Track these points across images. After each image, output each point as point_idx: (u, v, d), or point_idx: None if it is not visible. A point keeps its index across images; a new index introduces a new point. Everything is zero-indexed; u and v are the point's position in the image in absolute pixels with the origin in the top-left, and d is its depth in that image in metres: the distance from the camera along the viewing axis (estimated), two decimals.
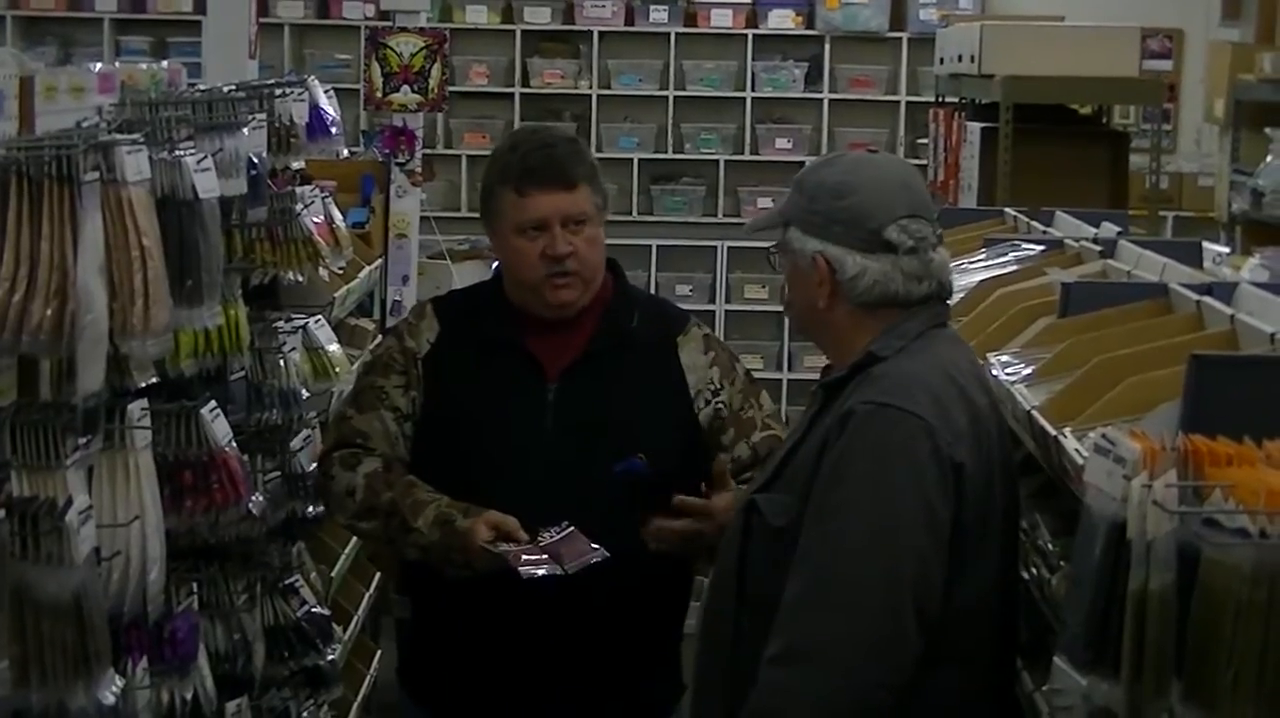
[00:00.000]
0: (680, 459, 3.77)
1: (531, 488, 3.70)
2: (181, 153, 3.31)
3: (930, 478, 2.96)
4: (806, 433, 3.15)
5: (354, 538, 5.04)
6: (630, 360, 3.85)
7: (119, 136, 3.03)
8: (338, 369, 4.52)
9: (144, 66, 4.57)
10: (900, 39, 12.17)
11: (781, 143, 12.22)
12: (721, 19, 12.20)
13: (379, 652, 5.58)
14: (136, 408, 3.12)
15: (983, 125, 7.87)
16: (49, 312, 2.75)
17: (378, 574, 5.48)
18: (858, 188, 3.13)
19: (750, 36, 12.20)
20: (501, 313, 3.88)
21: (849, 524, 2.95)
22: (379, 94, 7.77)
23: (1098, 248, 4.41)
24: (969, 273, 4.45)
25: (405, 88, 7.74)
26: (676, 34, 12.17)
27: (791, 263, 3.20)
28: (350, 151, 7.82)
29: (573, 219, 3.78)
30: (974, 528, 3.00)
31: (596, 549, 3.57)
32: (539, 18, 12.23)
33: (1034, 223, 5.23)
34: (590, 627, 3.73)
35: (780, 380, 11.32)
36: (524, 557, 3.53)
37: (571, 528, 3.60)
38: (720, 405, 3.86)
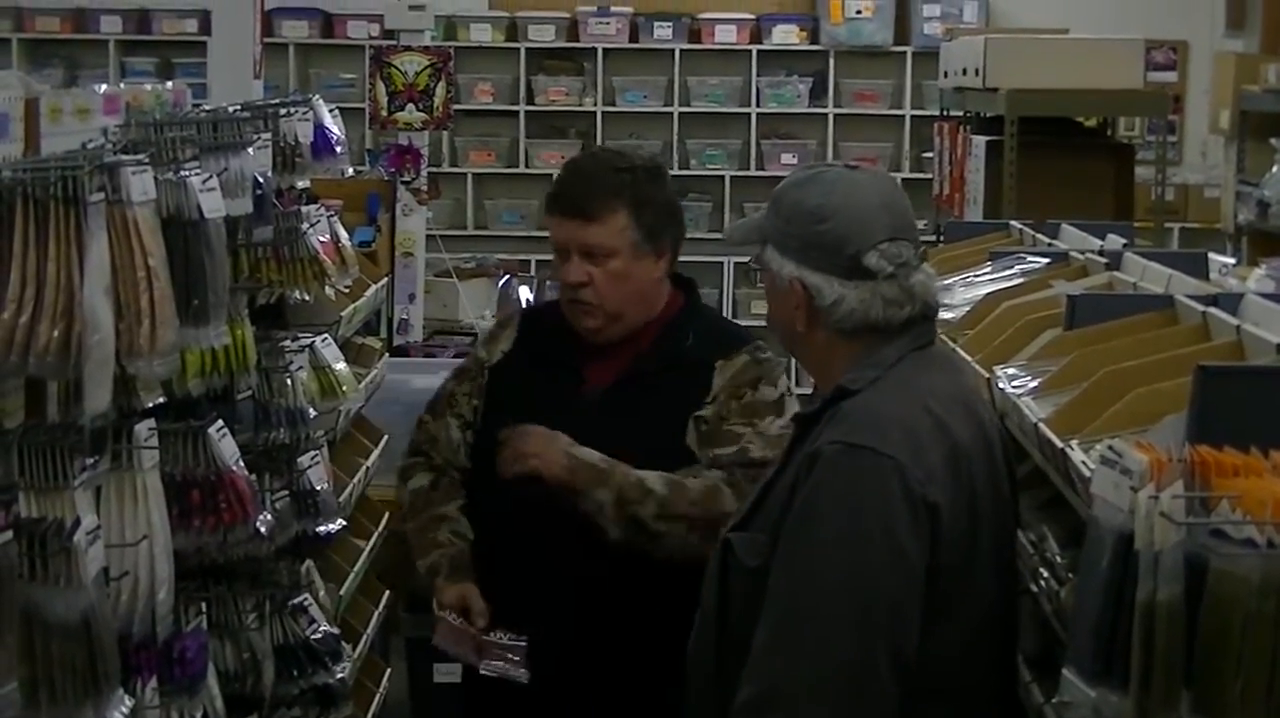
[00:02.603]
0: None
1: (551, 501, 3.71)
2: (187, 173, 3.31)
3: (901, 519, 2.87)
4: (781, 469, 3.07)
5: (363, 556, 5.04)
6: (670, 384, 3.82)
7: (124, 157, 3.04)
8: (344, 388, 4.52)
9: (149, 87, 4.59)
10: (904, 53, 12.20)
11: (787, 158, 12.24)
12: (726, 35, 12.23)
13: (388, 670, 5.58)
14: (144, 428, 3.12)
15: (988, 138, 7.88)
16: (56, 333, 2.76)
17: (387, 593, 5.48)
18: (836, 211, 3.03)
19: (754, 52, 12.22)
20: (568, 328, 3.90)
21: (818, 569, 2.87)
22: (384, 113, 7.79)
23: (1103, 260, 4.40)
24: (975, 286, 4.45)
25: (410, 106, 7.76)
26: (681, 50, 12.20)
27: (770, 280, 3.12)
28: (356, 170, 7.85)
29: (589, 251, 3.77)
30: (956, 567, 2.93)
31: (521, 672, 3.67)
32: (543, 35, 12.25)
33: (1039, 235, 5.23)
34: (606, 642, 3.74)
35: None
36: (486, 659, 3.69)
37: (524, 642, 3.69)
38: (701, 417, 3.80)
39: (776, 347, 3.72)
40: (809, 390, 3.46)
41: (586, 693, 3.80)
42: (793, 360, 3.49)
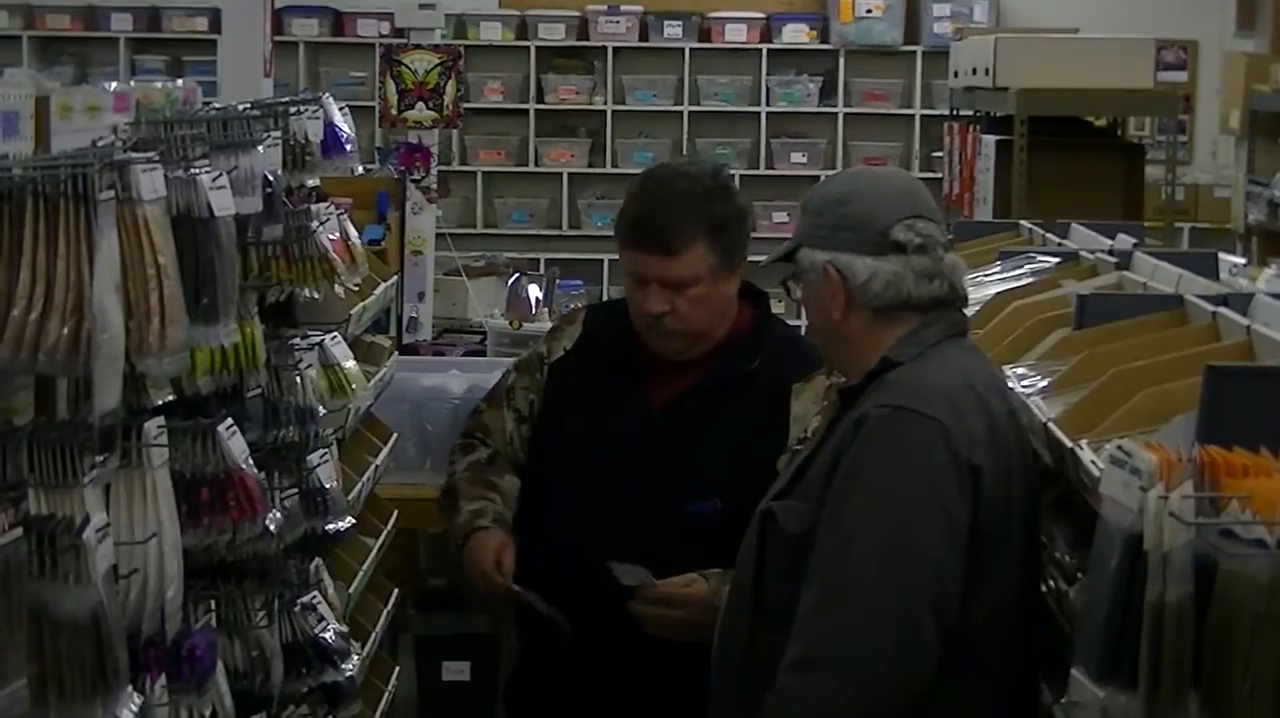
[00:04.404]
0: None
1: (609, 510, 3.74)
2: (197, 171, 3.31)
3: (947, 481, 2.94)
4: (823, 440, 3.15)
5: (372, 554, 5.04)
6: (739, 403, 3.79)
7: (134, 155, 3.03)
8: (354, 386, 4.52)
9: (159, 85, 4.57)
10: (914, 52, 12.19)
11: (796, 157, 12.24)
12: (735, 34, 12.23)
13: (397, 668, 5.58)
14: (153, 426, 3.12)
15: (997, 138, 7.88)
16: (65, 330, 2.76)
17: (395, 591, 5.48)
18: (860, 194, 3.14)
19: (764, 51, 12.22)
20: (635, 335, 3.87)
21: (865, 530, 2.94)
22: (394, 111, 7.78)
23: (1113, 260, 4.40)
24: (985, 285, 4.45)
25: (420, 105, 7.76)
26: (690, 49, 12.20)
27: (806, 283, 3.19)
28: (366, 169, 7.85)
29: (671, 283, 3.74)
30: (993, 534, 2.99)
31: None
32: (553, 34, 12.26)
33: (1049, 235, 5.22)
34: (642, 645, 3.74)
35: None
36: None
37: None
38: (798, 452, 3.68)
39: None
40: None
41: (616, 691, 3.80)
42: None
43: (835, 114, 12.29)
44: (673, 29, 12.22)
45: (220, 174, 3.38)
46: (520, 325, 7.38)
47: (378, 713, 5.19)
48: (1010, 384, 3.51)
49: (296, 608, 4.01)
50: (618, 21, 12.19)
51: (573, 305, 7.58)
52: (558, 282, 8.09)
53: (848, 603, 2.93)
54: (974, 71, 8.28)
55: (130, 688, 2.86)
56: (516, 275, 7.89)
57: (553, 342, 4.02)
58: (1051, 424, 3.17)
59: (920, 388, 3.02)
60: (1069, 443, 3.03)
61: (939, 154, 9.87)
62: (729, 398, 3.81)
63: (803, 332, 3.36)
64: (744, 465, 3.71)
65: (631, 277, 3.81)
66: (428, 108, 7.75)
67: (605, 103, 12.28)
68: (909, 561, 2.92)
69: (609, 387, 3.88)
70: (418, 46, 7.85)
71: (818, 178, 11.65)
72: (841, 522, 2.97)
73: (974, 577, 2.97)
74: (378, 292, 5.24)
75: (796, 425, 3.77)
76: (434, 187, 7.82)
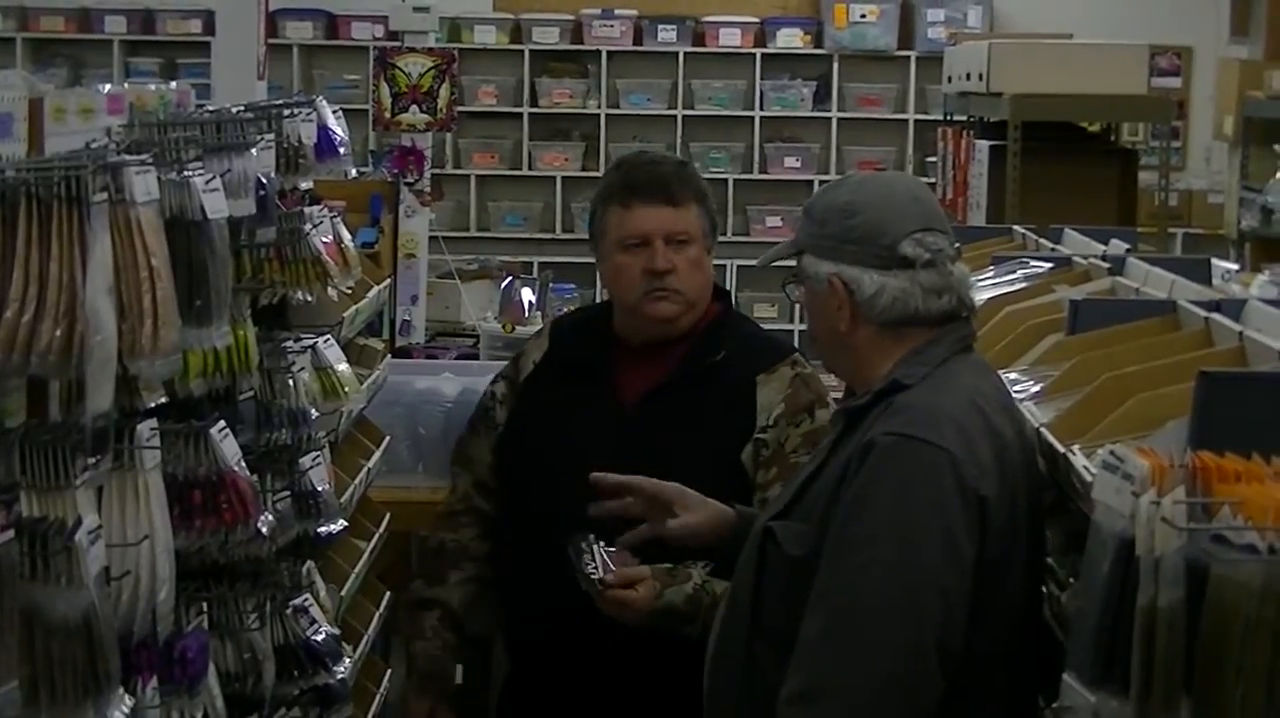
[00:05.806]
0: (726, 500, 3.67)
1: (580, 511, 3.72)
2: (190, 173, 3.31)
3: (954, 512, 2.89)
4: (826, 460, 3.08)
5: (364, 557, 5.04)
6: (708, 396, 3.83)
7: (128, 157, 3.03)
8: (347, 389, 4.51)
9: (153, 88, 4.57)
10: (908, 58, 12.21)
11: (790, 162, 12.25)
12: (730, 38, 12.24)
13: (389, 671, 5.57)
14: (146, 428, 3.12)
15: (991, 143, 7.88)
16: (58, 332, 2.76)
17: (388, 594, 5.47)
18: (867, 205, 3.08)
19: (759, 56, 12.23)
20: (601, 337, 3.97)
21: (871, 560, 2.88)
22: (388, 114, 7.77)
23: (1106, 265, 4.40)
24: (977, 291, 4.44)
25: (414, 108, 7.75)
26: (685, 53, 12.21)
27: (809, 291, 3.14)
28: (359, 171, 7.84)
29: (675, 236, 3.83)
30: (999, 563, 2.95)
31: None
32: (547, 38, 12.26)
33: (1042, 240, 5.23)
34: (616, 655, 3.76)
35: None
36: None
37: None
38: (761, 440, 3.80)
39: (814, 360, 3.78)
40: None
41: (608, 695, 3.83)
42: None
43: (829, 119, 12.30)
44: (667, 33, 12.23)
45: (214, 177, 3.37)
46: (513, 329, 7.37)
47: (369, 716, 5.19)
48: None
49: (288, 610, 4.01)
50: (612, 25, 12.19)
51: (565, 309, 7.59)
52: (551, 285, 8.08)
53: (851, 633, 2.87)
54: (968, 77, 8.28)
55: (122, 690, 2.86)
56: (510, 279, 7.88)
57: (524, 358, 4.09)
58: (1044, 429, 3.17)
59: (929, 415, 2.96)
60: (1061, 448, 3.03)
61: (933, 159, 9.87)
62: (698, 390, 3.84)
63: (797, 336, 3.35)
64: (709, 459, 3.76)
65: (631, 241, 3.84)
66: (421, 111, 7.75)
67: (599, 106, 12.29)
68: (915, 590, 2.86)
69: (579, 390, 3.92)
70: (412, 49, 7.84)
71: (811, 183, 11.67)
72: (846, 551, 2.91)
73: (980, 606, 2.92)
74: (371, 295, 5.24)
75: (762, 416, 3.82)
76: (427, 190, 7.81)
